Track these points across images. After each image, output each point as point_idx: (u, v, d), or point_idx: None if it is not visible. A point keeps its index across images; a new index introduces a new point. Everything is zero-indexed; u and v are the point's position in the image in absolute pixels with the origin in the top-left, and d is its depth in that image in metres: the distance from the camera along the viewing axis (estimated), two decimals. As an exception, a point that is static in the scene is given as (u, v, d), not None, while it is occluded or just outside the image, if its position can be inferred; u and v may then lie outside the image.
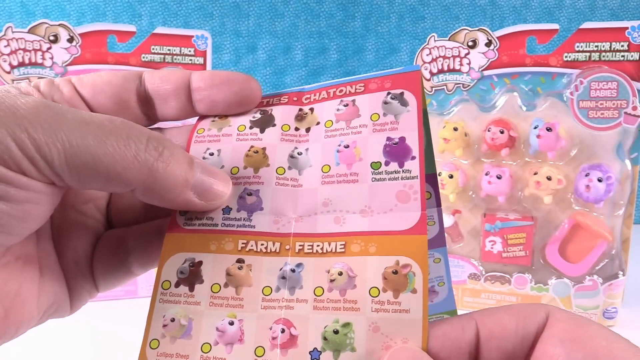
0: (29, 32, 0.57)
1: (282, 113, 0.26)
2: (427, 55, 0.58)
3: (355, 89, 0.26)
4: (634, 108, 0.53)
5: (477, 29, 0.56)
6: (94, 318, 0.58)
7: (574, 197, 0.56)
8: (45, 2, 0.79)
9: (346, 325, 0.21)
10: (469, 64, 0.57)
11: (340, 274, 0.22)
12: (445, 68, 0.58)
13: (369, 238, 0.23)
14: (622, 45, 0.53)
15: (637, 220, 0.83)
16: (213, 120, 0.27)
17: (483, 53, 0.57)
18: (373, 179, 0.23)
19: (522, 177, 0.57)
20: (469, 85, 0.57)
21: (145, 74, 0.27)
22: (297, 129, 0.26)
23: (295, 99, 0.27)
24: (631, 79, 0.53)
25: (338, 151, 0.24)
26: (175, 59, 0.61)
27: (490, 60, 0.57)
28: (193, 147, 0.26)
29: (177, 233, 0.24)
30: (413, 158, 0.23)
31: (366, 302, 0.21)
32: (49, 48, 0.58)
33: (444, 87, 0.58)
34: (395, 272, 0.22)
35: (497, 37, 0.56)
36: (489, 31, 0.56)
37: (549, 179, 0.55)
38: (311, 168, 0.25)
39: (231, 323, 0.22)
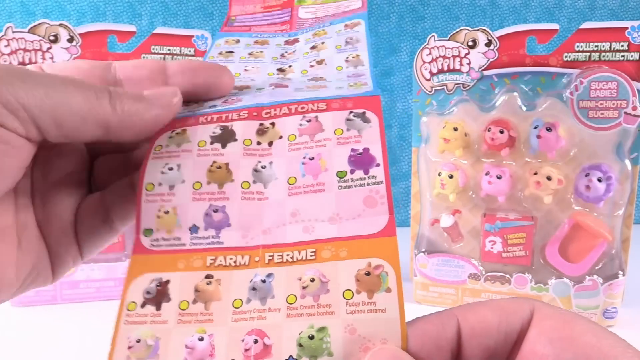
0: (29, 32, 0.57)
1: (243, 128, 0.26)
2: (427, 55, 0.58)
3: (318, 107, 0.26)
4: (634, 108, 0.53)
5: (477, 29, 0.56)
6: (94, 318, 0.58)
7: (574, 197, 0.56)
8: (45, 2, 0.79)
9: (321, 329, 0.21)
10: (469, 64, 0.57)
11: (313, 280, 0.22)
12: (445, 68, 0.58)
13: (340, 243, 0.23)
14: (622, 45, 0.53)
15: (637, 220, 0.83)
16: (170, 137, 0.26)
17: (483, 53, 0.57)
18: (339, 187, 0.24)
19: (522, 177, 0.57)
20: (469, 85, 0.57)
21: (116, 63, 0.28)
22: (259, 142, 0.26)
23: (255, 113, 0.27)
24: (631, 79, 0.53)
25: (303, 163, 0.25)
26: (176, 58, 0.61)
27: (490, 60, 0.57)
28: (150, 164, 0.25)
29: (142, 254, 0.24)
30: (377, 165, 0.24)
31: (340, 304, 0.21)
32: (49, 48, 0.58)
33: (444, 87, 0.58)
34: (368, 274, 0.22)
35: (497, 37, 0.56)
36: (489, 31, 0.56)
37: (549, 179, 0.55)
38: (277, 181, 0.25)
39: (201, 339, 0.22)
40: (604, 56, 0.54)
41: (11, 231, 0.25)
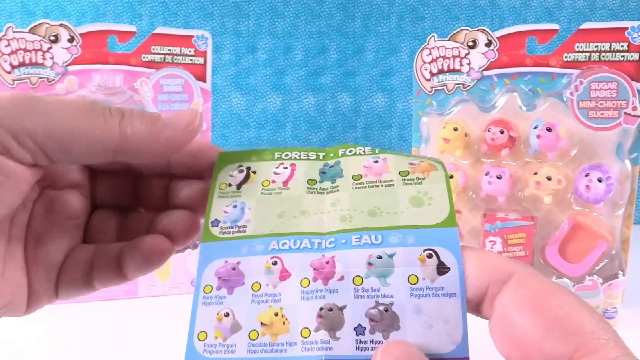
0: (29, 32, 0.57)
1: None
2: (427, 55, 0.58)
3: None
4: (634, 108, 0.53)
5: (477, 29, 0.56)
6: (93, 318, 0.58)
7: (574, 197, 0.56)
8: (45, 2, 0.79)
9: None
10: (469, 64, 0.57)
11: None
12: (445, 68, 0.58)
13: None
14: (622, 46, 0.53)
15: (637, 220, 0.83)
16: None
17: (483, 53, 0.57)
18: None
19: (522, 177, 0.57)
20: (469, 86, 0.57)
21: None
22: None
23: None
24: (631, 79, 0.53)
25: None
26: (176, 59, 0.61)
27: (490, 60, 0.57)
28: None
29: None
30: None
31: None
32: (50, 48, 0.58)
33: (444, 87, 0.58)
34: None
35: (497, 38, 0.56)
36: (489, 31, 0.56)
37: (549, 179, 0.55)
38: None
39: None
40: (604, 56, 0.54)
41: None
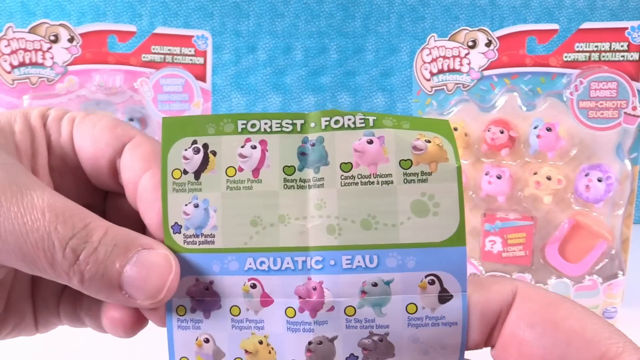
0: (29, 32, 0.57)
1: None
2: (427, 55, 0.58)
3: None
4: (634, 108, 0.53)
5: (477, 29, 0.56)
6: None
7: (573, 197, 0.56)
8: (45, 2, 0.79)
9: None
10: (469, 64, 0.57)
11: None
12: (445, 68, 0.58)
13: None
14: (622, 46, 0.53)
15: (637, 220, 0.83)
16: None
17: (483, 53, 0.57)
18: None
19: (522, 177, 0.57)
20: (469, 85, 0.57)
21: (64, 126, 0.26)
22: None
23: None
24: (631, 79, 0.53)
25: None
26: (176, 59, 0.61)
27: (490, 60, 0.57)
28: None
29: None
30: None
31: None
32: (50, 48, 0.58)
33: (444, 87, 0.58)
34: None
35: (497, 37, 0.56)
36: (489, 31, 0.56)
37: (548, 179, 0.55)
38: None
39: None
40: (603, 56, 0.54)
41: (4, 288, 0.25)
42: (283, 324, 0.22)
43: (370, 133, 0.22)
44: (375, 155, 0.22)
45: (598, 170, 0.54)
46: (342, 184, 0.22)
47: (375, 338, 0.22)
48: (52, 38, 0.58)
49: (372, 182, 0.22)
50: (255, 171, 0.23)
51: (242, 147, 0.23)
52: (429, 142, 0.22)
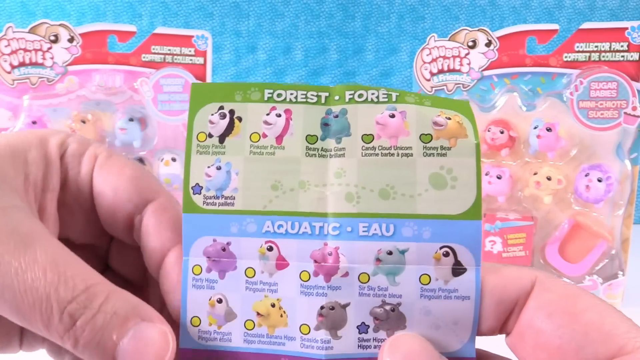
0: (29, 32, 0.57)
1: None
2: (427, 55, 0.58)
3: None
4: (634, 108, 0.53)
5: (477, 29, 0.56)
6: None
7: (573, 197, 0.56)
8: (45, 2, 0.79)
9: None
10: (469, 64, 0.57)
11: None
12: (445, 68, 0.58)
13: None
14: (622, 46, 0.53)
15: (637, 220, 0.83)
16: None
17: (483, 53, 0.57)
18: None
19: (522, 177, 0.57)
20: (469, 86, 0.57)
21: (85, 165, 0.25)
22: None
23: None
24: (631, 79, 0.53)
25: None
26: (176, 59, 0.61)
27: (490, 60, 0.57)
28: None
29: None
30: None
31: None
32: (50, 48, 0.58)
33: (444, 87, 0.58)
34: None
35: (497, 38, 0.56)
36: (489, 31, 0.56)
37: (548, 179, 0.55)
38: None
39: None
40: (603, 56, 0.54)
41: None
42: (297, 287, 0.22)
43: (392, 107, 0.23)
44: (396, 128, 0.23)
45: (598, 170, 0.54)
46: (363, 154, 0.23)
47: (387, 307, 0.22)
48: (52, 38, 0.58)
49: (392, 154, 0.23)
50: (279, 138, 0.23)
51: (268, 114, 0.23)
52: (450, 119, 0.23)
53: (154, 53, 0.61)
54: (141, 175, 0.25)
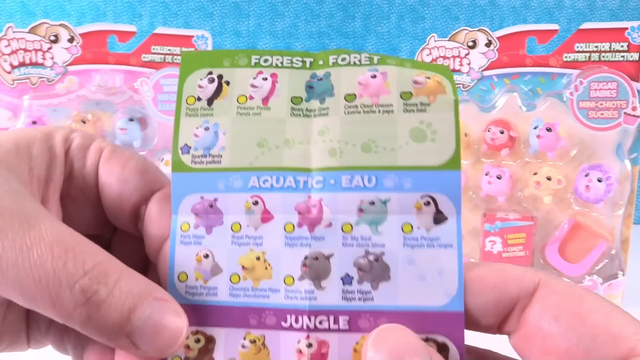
0: (29, 32, 0.57)
1: None
2: (427, 55, 0.58)
3: None
4: (634, 108, 0.53)
5: (477, 29, 0.56)
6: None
7: (573, 197, 0.56)
8: (45, 2, 0.79)
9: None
10: (469, 64, 0.57)
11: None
12: (445, 68, 0.58)
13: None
14: (622, 46, 0.53)
15: (636, 220, 0.83)
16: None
17: (483, 53, 0.57)
18: None
19: (522, 177, 0.57)
20: (469, 86, 0.57)
21: (90, 162, 0.25)
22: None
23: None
24: (631, 79, 0.53)
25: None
26: (176, 59, 0.61)
27: (490, 60, 0.57)
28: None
29: None
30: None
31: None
32: (50, 48, 0.58)
33: (444, 87, 0.58)
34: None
35: (497, 38, 0.56)
36: (489, 31, 0.56)
37: (548, 179, 0.55)
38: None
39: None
40: (603, 56, 0.54)
41: (1, 307, 0.24)
42: (281, 239, 0.23)
43: (374, 69, 0.24)
44: (378, 87, 0.24)
45: (598, 171, 0.54)
46: (346, 112, 0.23)
47: (371, 257, 0.22)
48: (52, 38, 0.58)
49: (374, 111, 0.23)
50: (265, 100, 0.24)
51: (254, 78, 0.24)
52: (429, 78, 0.23)
53: (154, 53, 0.61)
54: (147, 167, 0.25)
